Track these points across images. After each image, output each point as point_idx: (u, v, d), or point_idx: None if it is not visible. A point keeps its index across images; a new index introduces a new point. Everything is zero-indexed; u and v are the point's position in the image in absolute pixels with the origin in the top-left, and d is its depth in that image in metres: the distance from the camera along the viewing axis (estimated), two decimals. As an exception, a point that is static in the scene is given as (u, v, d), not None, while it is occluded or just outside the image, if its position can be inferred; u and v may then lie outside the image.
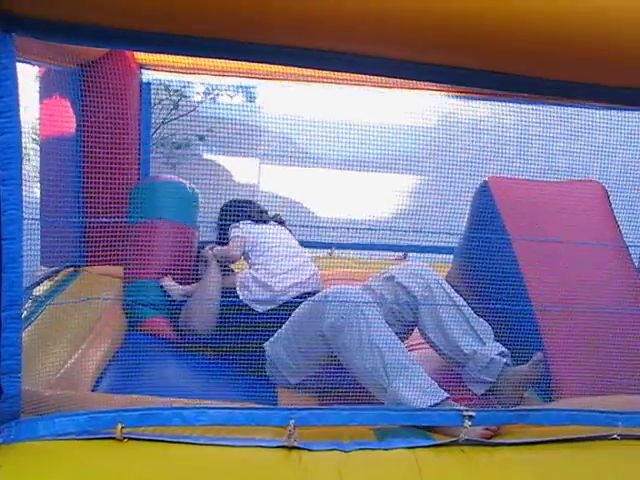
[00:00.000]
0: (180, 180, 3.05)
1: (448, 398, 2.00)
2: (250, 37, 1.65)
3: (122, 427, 1.66)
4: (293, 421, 1.72)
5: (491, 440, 1.80)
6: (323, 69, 1.78)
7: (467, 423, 1.76)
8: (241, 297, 2.64)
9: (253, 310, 2.60)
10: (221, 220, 2.95)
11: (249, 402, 1.96)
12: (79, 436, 1.66)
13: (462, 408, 1.81)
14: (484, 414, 1.81)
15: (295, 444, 1.69)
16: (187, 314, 2.67)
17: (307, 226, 2.66)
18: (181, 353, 2.63)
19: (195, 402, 1.84)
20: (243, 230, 2.87)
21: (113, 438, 1.66)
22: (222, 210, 2.98)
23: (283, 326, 2.44)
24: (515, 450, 1.80)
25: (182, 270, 2.86)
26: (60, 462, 1.60)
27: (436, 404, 1.97)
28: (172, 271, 2.82)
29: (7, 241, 1.58)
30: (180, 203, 2.98)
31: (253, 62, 1.72)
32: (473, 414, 1.77)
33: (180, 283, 2.82)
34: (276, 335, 2.45)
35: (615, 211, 2.71)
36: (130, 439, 1.67)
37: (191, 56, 1.75)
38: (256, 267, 2.76)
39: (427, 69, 1.75)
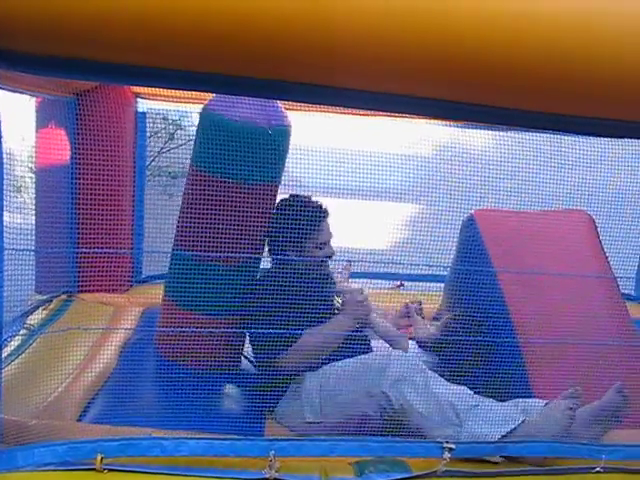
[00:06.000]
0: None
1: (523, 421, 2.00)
2: (264, 74, 1.56)
3: (102, 458, 1.66)
4: (273, 452, 1.72)
5: (470, 470, 1.79)
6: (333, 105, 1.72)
7: (446, 455, 1.76)
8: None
9: None
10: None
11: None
12: (59, 467, 1.66)
13: (441, 440, 1.80)
14: (464, 446, 1.81)
15: (276, 476, 1.70)
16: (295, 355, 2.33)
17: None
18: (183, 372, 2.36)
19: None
20: None
21: (93, 469, 1.66)
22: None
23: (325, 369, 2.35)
24: (495, 482, 1.80)
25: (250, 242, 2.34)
26: (38, 493, 1.61)
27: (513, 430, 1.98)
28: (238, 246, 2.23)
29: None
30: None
31: (266, 98, 1.65)
32: (453, 446, 1.77)
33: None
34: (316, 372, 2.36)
35: (603, 241, 2.71)
36: (110, 470, 1.66)
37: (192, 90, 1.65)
38: None
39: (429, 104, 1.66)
